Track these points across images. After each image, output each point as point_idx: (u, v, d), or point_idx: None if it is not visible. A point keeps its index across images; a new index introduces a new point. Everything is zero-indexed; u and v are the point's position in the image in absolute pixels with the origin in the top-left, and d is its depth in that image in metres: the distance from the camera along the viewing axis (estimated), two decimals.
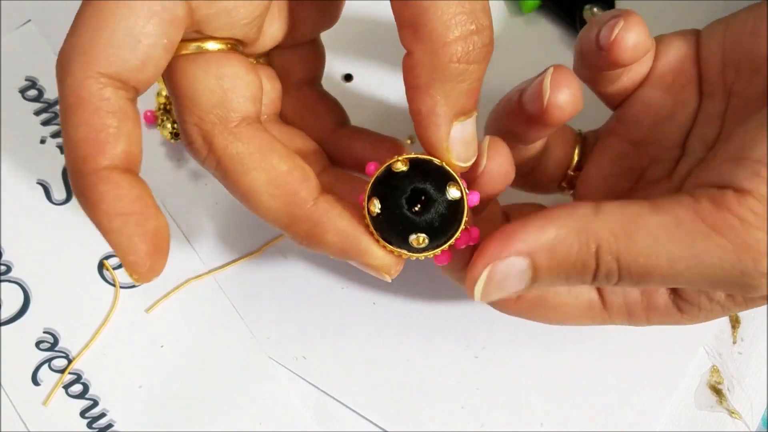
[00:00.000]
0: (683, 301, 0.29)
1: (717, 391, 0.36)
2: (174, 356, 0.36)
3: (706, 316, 0.29)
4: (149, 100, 0.39)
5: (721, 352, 0.36)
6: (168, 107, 0.37)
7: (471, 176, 0.28)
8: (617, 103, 0.32)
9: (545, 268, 0.25)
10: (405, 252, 0.27)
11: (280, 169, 0.26)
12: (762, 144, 0.24)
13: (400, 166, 0.26)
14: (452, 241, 0.27)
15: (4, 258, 0.37)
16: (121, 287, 0.36)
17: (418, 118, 0.26)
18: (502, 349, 0.36)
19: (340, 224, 0.27)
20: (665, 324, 0.30)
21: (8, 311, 0.36)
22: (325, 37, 0.40)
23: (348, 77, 0.39)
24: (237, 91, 0.26)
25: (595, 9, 0.39)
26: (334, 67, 0.40)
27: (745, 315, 0.37)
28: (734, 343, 0.36)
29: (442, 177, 0.26)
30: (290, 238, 0.28)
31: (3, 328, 0.36)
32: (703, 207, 0.24)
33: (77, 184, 0.24)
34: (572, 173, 0.34)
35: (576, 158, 0.33)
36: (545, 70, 0.28)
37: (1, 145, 0.38)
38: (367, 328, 0.36)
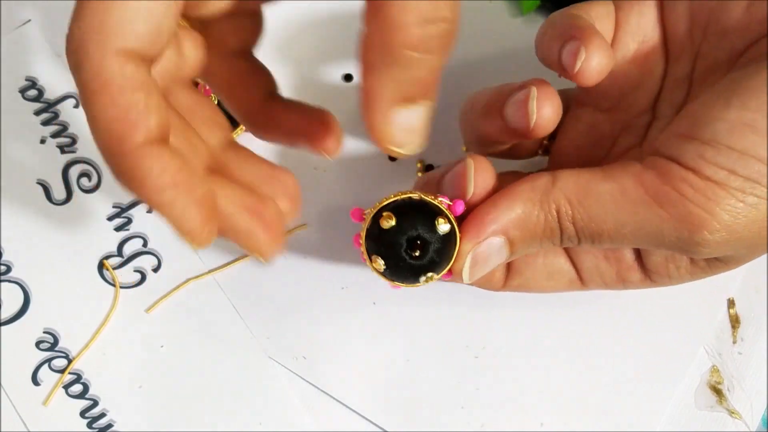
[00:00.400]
0: (654, 273, 0.31)
1: (717, 391, 0.36)
2: (174, 356, 0.36)
3: (677, 281, 0.31)
4: None
5: (721, 351, 0.36)
6: None
7: (459, 196, 0.29)
8: None
9: (519, 240, 0.28)
10: (414, 284, 0.29)
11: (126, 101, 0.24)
12: (711, 123, 0.25)
13: (389, 222, 0.28)
14: (452, 262, 0.29)
15: (4, 258, 0.37)
16: (121, 287, 0.37)
17: (363, 97, 0.25)
18: (502, 349, 0.36)
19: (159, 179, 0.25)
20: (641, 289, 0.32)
21: (8, 311, 0.36)
22: (325, 37, 0.40)
23: (348, 77, 0.39)
24: (138, 20, 0.24)
25: None
26: (334, 67, 0.40)
27: (745, 315, 0.37)
28: (734, 343, 0.36)
29: (428, 215, 0.28)
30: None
31: (3, 328, 0.36)
32: (648, 177, 0.26)
33: (117, 164, 0.23)
34: (547, 142, 0.34)
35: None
36: (528, 88, 0.29)
37: (1, 145, 0.38)
38: (367, 328, 0.36)
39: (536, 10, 0.41)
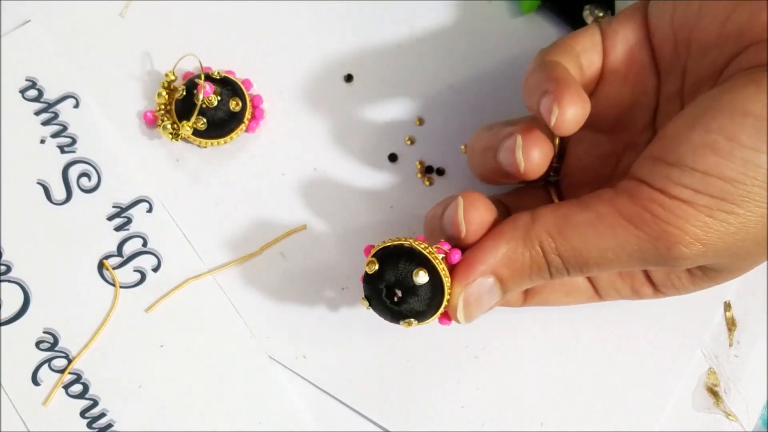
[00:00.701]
0: (661, 285, 0.32)
1: (714, 393, 0.36)
2: (174, 356, 0.36)
3: (684, 291, 0.32)
4: (149, 101, 0.39)
5: (718, 354, 0.36)
6: (168, 107, 0.37)
7: (455, 237, 0.30)
8: None
9: (509, 278, 0.29)
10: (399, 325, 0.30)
11: None
12: (677, 146, 0.27)
13: (372, 268, 0.29)
14: (440, 312, 0.30)
15: (4, 258, 0.37)
16: (120, 287, 0.37)
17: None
18: (502, 349, 0.36)
19: None
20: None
21: (8, 311, 0.36)
22: (325, 37, 0.40)
23: (349, 77, 0.39)
24: None
25: (594, 9, 0.39)
26: (334, 67, 0.40)
27: (741, 318, 0.37)
28: (730, 345, 0.36)
29: (412, 263, 0.29)
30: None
31: (3, 328, 0.36)
32: (621, 201, 0.27)
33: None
34: (556, 165, 0.35)
35: (556, 150, 0.34)
36: (514, 136, 0.31)
37: (1, 145, 0.38)
38: (367, 328, 0.36)
39: (536, 10, 0.41)
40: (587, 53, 0.32)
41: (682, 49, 0.31)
